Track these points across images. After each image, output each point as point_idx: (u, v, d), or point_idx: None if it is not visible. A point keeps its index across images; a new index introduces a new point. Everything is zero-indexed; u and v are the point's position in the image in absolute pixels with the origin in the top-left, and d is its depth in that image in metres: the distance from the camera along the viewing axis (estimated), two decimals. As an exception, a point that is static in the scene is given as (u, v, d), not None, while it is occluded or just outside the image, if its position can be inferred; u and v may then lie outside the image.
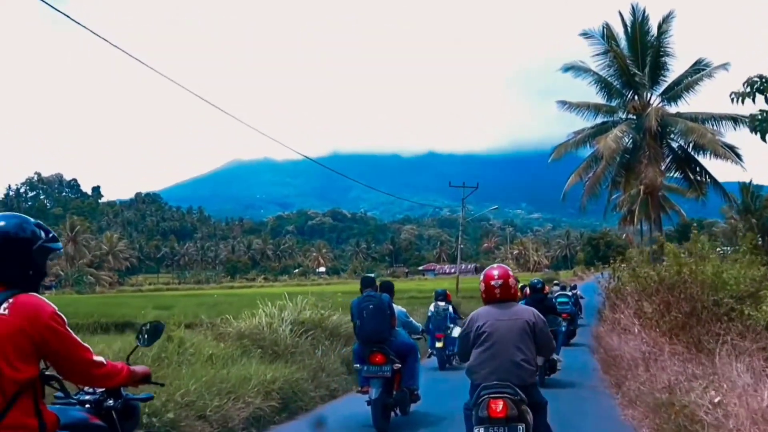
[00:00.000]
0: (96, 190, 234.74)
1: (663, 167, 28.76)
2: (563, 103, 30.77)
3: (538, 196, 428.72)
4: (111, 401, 3.65)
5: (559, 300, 20.87)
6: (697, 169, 28.87)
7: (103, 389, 3.63)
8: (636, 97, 29.01)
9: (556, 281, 37.88)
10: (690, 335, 11.53)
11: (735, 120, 26.74)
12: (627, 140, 29.30)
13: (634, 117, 29.01)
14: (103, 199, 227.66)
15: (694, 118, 27.75)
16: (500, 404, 5.39)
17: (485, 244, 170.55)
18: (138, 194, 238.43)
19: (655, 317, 13.15)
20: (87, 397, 3.64)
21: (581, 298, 26.38)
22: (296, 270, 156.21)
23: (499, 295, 5.87)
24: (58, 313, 3.09)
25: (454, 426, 8.94)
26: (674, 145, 29.42)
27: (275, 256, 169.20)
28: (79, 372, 3.27)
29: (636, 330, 13.39)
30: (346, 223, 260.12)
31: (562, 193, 31.38)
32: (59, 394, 3.57)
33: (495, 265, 6.17)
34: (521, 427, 5.43)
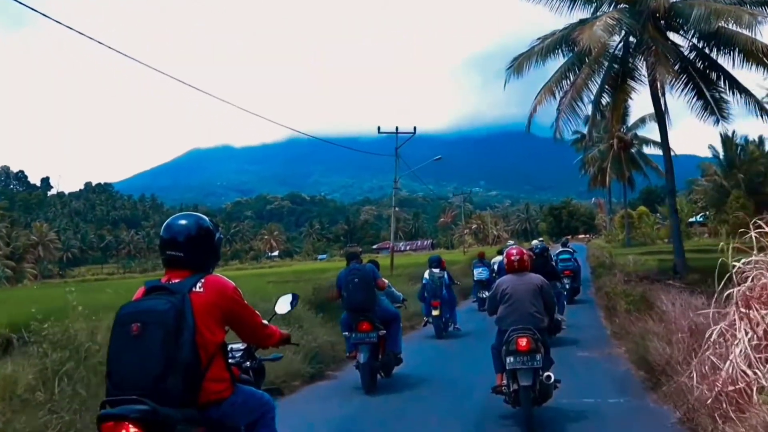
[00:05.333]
0: (45, 181, 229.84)
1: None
2: None
3: (496, 173, 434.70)
4: (248, 362, 4.49)
5: (561, 257, 21.11)
6: (721, 78, 21.53)
7: (241, 352, 4.48)
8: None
9: (541, 238, 36.11)
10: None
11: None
12: (617, 39, 22.36)
13: (626, 6, 21.55)
14: (53, 192, 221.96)
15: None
16: (525, 340, 7.29)
17: (441, 219, 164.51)
18: (88, 184, 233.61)
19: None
20: (230, 360, 4.01)
21: (574, 251, 23.11)
22: (248, 254, 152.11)
23: (517, 266, 8.04)
24: (237, 288, 3.80)
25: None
26: (683, 49, 22.04)
27: (226, 241, 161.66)
28: (253, 334, 4.09)
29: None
30: (305, 206, 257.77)
31: (527, 121, 23.61)
32: None
33: (514, 247, 8.85)
34: (539, 355, 7.30)
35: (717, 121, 22.21)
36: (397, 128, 37.82)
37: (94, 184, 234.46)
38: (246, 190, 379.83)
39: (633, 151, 63.31)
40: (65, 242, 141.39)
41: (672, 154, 23.44)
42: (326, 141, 67.01)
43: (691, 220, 73.65)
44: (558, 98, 22.37)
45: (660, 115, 22.28)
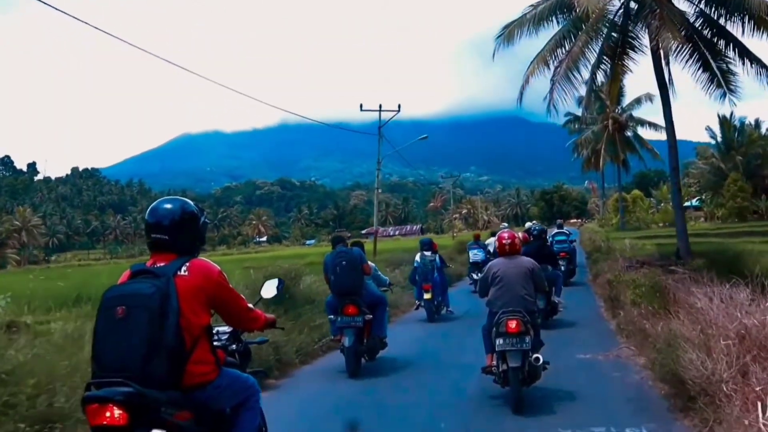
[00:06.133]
0: (31, 166, 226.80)
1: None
2: None
3: (487, 158, 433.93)
4: (234, 345, 4.48)
5: (557, 239, 21.30)
6: (729, 46, 19.74)
7: (227, 335, 4.47)
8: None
9: (534, 221, 35.80)
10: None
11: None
12: (617, 4, 20.69)
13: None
14: (39, 177, 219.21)
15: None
16: (514, 322, 7.39)
17: (431, 204, 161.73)
18: (75, 169, 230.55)
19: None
20: (216, 343, 4.10)
21: (570, 233, 23.54)
22: (236, 239, 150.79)
23: (508, 249, 8.19)
24: (222, 272, 3.78)
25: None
26: (689, 16, 20.15)
27: (214, 226, 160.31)
28: (238, 318, 4.06)
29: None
30: (294, 191, 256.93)
31: (519, 93, 21.56)
32: None
33: (506, 231, 9.15)
34: (528, 338, 7.43)
35: (723, 95, 20.37)
36: (380, 106, 35.52)
37: (81, 170, 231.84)
38: (236, 175, 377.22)
39: (628, 133, 61.53)
40: (51, 227, 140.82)
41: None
42: (317, 123, 65.10)
43: (685, 204, 72.41)
44: (552, 68, 20.57)
45: (663, 87, 20.46)
